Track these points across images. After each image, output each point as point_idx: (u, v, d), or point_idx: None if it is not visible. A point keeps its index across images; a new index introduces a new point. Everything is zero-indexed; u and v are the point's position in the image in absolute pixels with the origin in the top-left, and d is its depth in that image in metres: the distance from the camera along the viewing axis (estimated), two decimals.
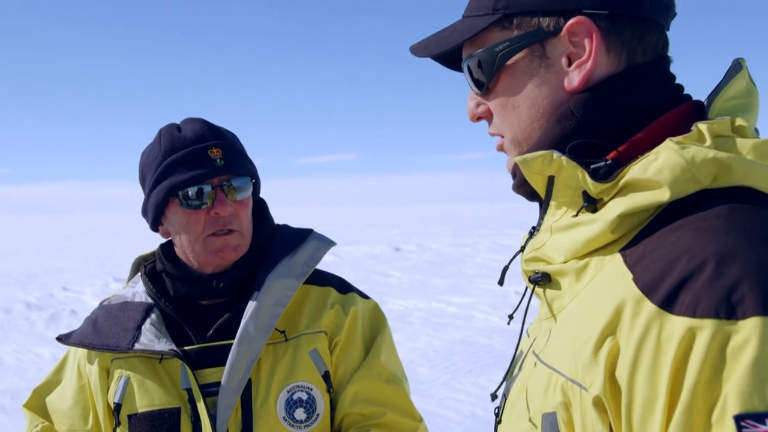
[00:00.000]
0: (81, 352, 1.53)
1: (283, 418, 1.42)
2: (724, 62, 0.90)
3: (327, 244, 1.59)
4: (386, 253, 19.02)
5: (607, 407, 0.69)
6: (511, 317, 1.01)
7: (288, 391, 1.43)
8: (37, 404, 1.55)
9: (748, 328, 0.61)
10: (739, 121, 0.78)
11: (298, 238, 1.57)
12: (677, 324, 0.64)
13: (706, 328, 0.62)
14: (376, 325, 1.59)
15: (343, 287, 1.59)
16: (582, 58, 0.83)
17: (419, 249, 20.31)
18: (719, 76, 0.86)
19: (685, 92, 0.88)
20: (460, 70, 1.01)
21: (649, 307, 0.67)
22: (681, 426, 0.62)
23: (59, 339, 1.53)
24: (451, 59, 1.00)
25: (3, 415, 5.47)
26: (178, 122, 1.55)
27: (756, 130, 0.84)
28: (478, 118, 0.96)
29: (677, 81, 0.88)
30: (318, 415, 1.45)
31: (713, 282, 0.64)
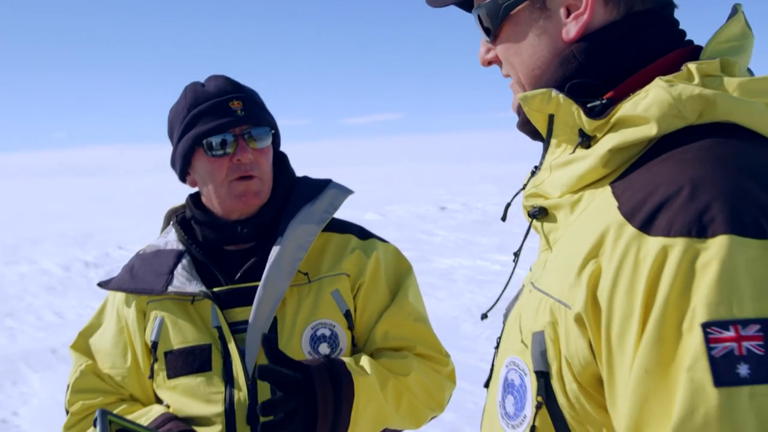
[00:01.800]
0: (119, 297, 1.64)
1: (308, 352, 1.51)
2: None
3: (345, 192, 1.68)
4: (431, 213, 19.02)
5: (586, 323, 0.74)
6: (517, 255, 1.07)
7: (312, 328, 1.52)
8: (82, 345, 1.67)
9: (716, 246, 0.66)
10: (728, 62, 0.81)
11: (318, 187, 1.66)
12: (652, 243, 0.69)
13: (677, 245, 0.67)
14: (401, 268, 1.67)
15: (363, 234, 1.68)
16: (579, 10, 0.87)
17: (465, 208, 20.24)
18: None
19: (687, 38, 0.90)
20: None
21: (629, 230, 0.71)
22: (653, 336, 0.67)
23: (100, 285, 1.65)
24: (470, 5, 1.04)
25: (65, 365, 5.76)
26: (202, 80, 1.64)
27: (749, 70, 0.86)
28: (489, 63, 1.01)
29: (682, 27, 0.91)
30: (341, 350, 1.54)
31: (687, 204, 0.69)
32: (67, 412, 1.61)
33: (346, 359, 1.46)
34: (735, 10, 0.87)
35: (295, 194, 1.63)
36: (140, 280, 1.59)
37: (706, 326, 0.64)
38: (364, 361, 1.48)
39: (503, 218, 1.07)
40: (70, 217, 21.78)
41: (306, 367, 1.36)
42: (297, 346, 1.51)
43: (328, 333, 1.53)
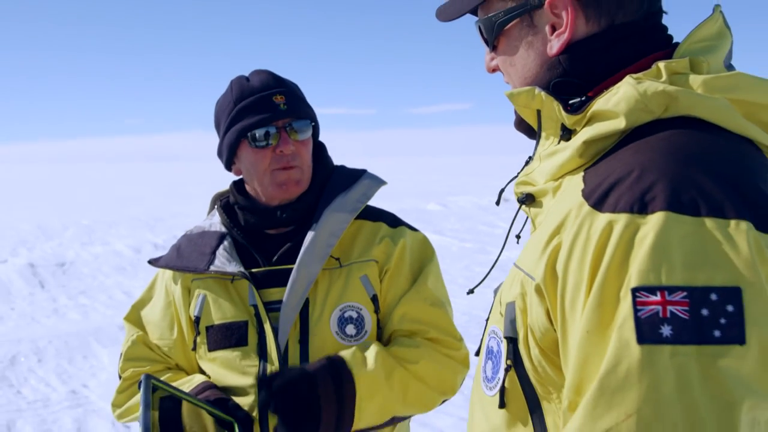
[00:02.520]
0: (168, 274, 1.77)
1: (336, 332, 1.61)
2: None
3: (378, 183, 1.75)
4: (494, 204, 18.82)
5: (545, 293, 0.83)
6: (518, 237, 1.14)
7: (340, 310, 1.61)
8: (135, 317, 1.80)
9: (653, 221, 0.73)
10: (698, 60, 0.87)
11: (353, 177, 1.74)
12: (601, 219, 0.77)
13: (621, 220, 0.75)
14: (425, 256, 1.73)
15: (394, 222, 1.75)
16: (561, 29, 0.94)
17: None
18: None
19: (677, 41, 0.95)
20: None
21: (585, 208, 0.80)
22: (595, 300, 0.75)
23: (150, 262, 1.77)
24: None
25: None
26: (246, 74, 1.73)
27: (731, 66, 0.92)
28: (493, 70, 1.10)
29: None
30: (366, 331, 1.63)
31: (634, 185, 0.76)
32: (120, 378, 1.74)
33: (347, 355, 1.54)
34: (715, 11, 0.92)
35: (331, 183, 1.72)
36: (186, 258, 1.70)
37: (635, 290, 0.72)
38: (371, 351, 1.56)
39: (497, 203, 1.16)
40: (143, 201, 22.59)
41: (309, 374, 1.48)
42: (326, 326, 1.60)
43: (355, 315, 1.61)
